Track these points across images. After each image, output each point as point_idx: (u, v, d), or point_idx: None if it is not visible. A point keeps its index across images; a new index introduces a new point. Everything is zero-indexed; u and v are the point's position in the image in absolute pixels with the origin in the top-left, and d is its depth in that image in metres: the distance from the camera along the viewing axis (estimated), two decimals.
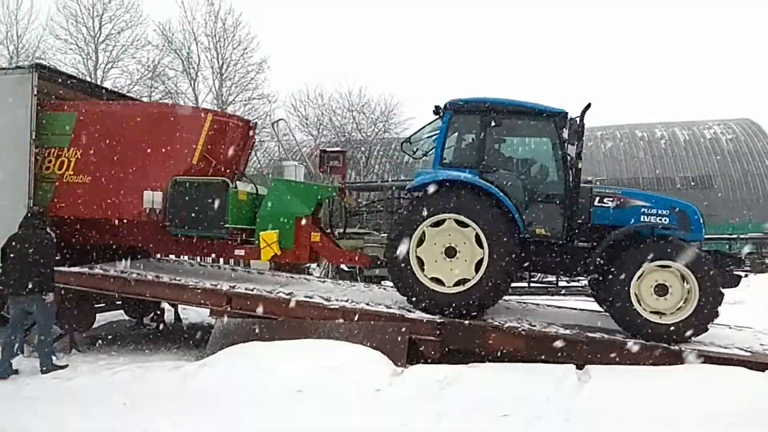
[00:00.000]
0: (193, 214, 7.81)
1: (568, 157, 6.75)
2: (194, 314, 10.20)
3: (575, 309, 8.57)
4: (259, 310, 7.23)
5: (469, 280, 6.60)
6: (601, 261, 6.50)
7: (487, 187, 6.65)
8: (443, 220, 6.67)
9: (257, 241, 7.77)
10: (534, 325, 6.72)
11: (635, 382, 5.59)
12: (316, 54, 48.83)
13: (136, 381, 6.24)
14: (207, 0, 25.73)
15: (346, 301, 7.29)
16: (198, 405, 5.56)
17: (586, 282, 7.32)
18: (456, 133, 7.17)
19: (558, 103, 6.91)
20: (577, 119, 6.60)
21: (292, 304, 7.19)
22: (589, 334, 6.49)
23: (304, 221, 7.80)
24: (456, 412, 5.18)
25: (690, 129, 28.99)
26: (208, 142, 8.07)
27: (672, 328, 6.25)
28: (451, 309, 6.65)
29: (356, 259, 8.48)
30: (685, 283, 6.29)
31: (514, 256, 6.58)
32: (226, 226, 7.74)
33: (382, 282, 11.46)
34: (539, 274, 7.31)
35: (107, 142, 8.05)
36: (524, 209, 6.80)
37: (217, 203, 7.75)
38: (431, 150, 7.75)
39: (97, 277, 7.94)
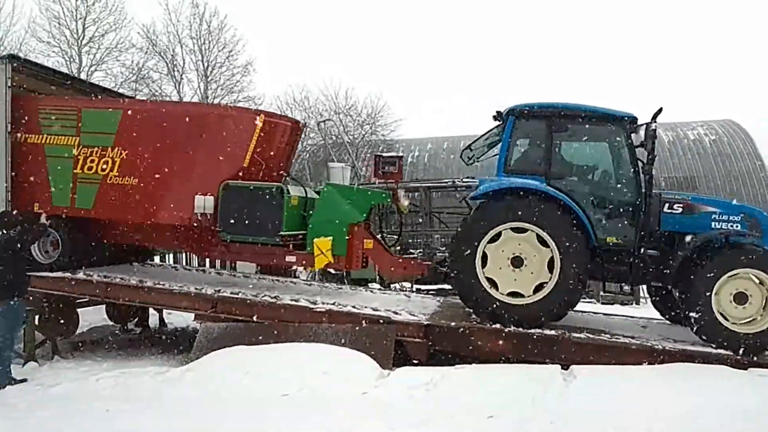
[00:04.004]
0: (246, 220, 7.53)
1: (640, 163, 6.64)
2: (179, 319, 10.12)
3: None
4: (245, 313, 7.20)
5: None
6: (678, 270, 6.38)
7: (558, 194, 6.49)
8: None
9: (309, 248, 7.56)
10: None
11: (619, 382, 5.62)
12: (302, 56, 48.80)
13: (119, 387, 6.19)
14: (192, 2, 25.64)
15: (333, 303, 7.26)
16: (182, 410, 5.50)
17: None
18: (520, 139, 6.99)
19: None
20: (653, 123, 6.44)
21: (278, 307, 7.16)
22: (574, 335, 6.52)
23: (357, 228, 7.60)
24: (442, 415, 5.17)
25: (674, 130, 29.25)
26: (259, 144, 7.79)
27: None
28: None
29: (412, 267, 8.06)
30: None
31: (587, 264, 6.45)
32: (281, 233, 7.50)
33: (369, 284, 11.46)
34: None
35: (154, 142, 7.75)
36: (594, 217, 6.65)
37: (272, 209, 7.49)
38: (482, 156, 7.70)
39: (80, 282, 7.87)
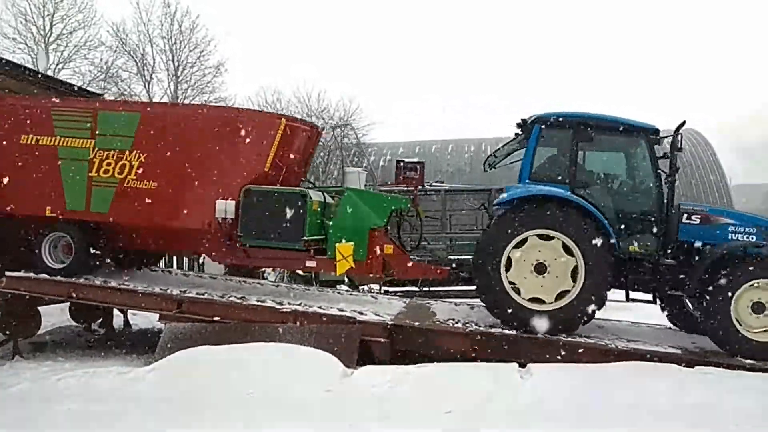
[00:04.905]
0: (269, 225, 7.46)
1: (662, 174, 6.83)
2: (144, 320, 10.06)
3: None
4: (210, 314, 7.24)
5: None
6: (697, 280, 6.54)
7: (583, 203, 6.62)
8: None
9: (330, 253, 7.53)
10: (479, 326, 6.94)
11: (574, 379, 5.83)
12: (274, 56, 48.66)
13: (81, 386, 6.15)
14: (163, 2, 25.42)
15: (299, 304, 7.36)
16: (146, 409, 5.53)
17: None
18: (544, 147, 7.10)
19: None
20: (678, 135, 6.62)
21: (244, 308, 7.23)
22: (532, 335, 6.72)
23: (377, 233, 7.58)
24: (402, 411, 5.32)
25: None
26: (279, 148, 7.71)
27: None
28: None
29: (432, 271, 8.03)
30: None
31: (610, 273, 6.57)
32: (304, 238, 7.47)
33: (337, 286, 11.56)
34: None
35: (174, 146, 7.61)
36: (616, 226, 6.78)
37: (295, 215, 7.43)
38: (498, 162, 7.82)
39: (44, 282, 7.79)
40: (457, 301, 9.45)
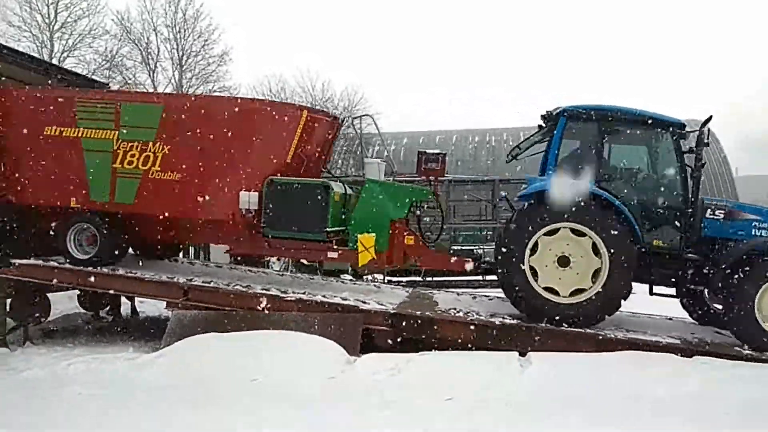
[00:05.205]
0: (292, 216, 7.55)
1: (688, 168, 6.83)
2: (152, 308, 10.21)
3: None
4: (215, 302, 7.36)
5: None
6: (721, 275, 6.56)
7: (607, 196, 6.65)
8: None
9: (352, 244, 7.58)
10: (480, 315, 7.04)
11: (573, 368, 5.92)
12: (279, 44, 48.53)
13: (91, 372, 6.31)
14: None
15: (303, 293, 7.48)
16: (153, 395, 5.66)
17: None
18: (569, 140, 7.13)
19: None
20: (706, 130, 6.61)
21: (249, 296, 7.35)
22: (532, 324, 6.81)
23: (398, 224, 7.64)
24: (403, 398, 5.43)
25: None
26: (301, 140, 7.77)
27: None
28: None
29: (455, 263, 8.07)
30: None
31: (633, 273, 6.61)
32: (327, 229, 7.54)
33: (341, 275, 11.69)
34: None
35: (197, 137, 7.66)
36: (641, 220, 6.81)
37: (318, 206, 7.51)
38: (519, 154, 7.83)
39: (53, 270, 7.93)
40: (460, 291, 9.57)
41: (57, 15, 24.04)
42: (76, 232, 8.09)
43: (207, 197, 7.67)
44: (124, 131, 7.81)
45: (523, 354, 6.33)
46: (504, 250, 6.89)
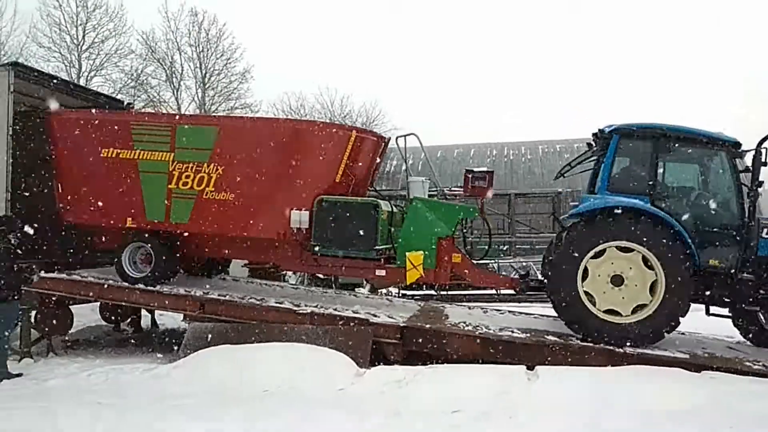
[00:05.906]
0: (342, 235, 7.67)
1: (744, 188, 6.80)
2: (170, 320, 10.47)
3: (533, 315, 8.96)
4: (231, 315, 7.56)
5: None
6: None
7: (665, 216, 6.62)
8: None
9: (400, 262, 7.65)
10: (490, 329, 7.11)
11: (580, 382, 5.96)
12: (298, 63, 49.15)
13: (110, 382, 6.53)
14: (191, 10, 26.17)
15: (315, 306, 7.64)
16: (170, 403, 5.84)
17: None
18: (622, 158, 7.12)
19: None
20: (763, 149, 6.53)
21: (263, 309, 7.53)
22: (542, 338, 6.89)
23: (445, 242, 7.68)
24: (410, 410, 5.53)
25: None
26: (350, 159, 7.95)
27: None
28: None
29: (501, 280, 8.03)
30: None
31: (691, 289, 6.58)
32: (376, 247, 7.66)
33: (355, 289, 11.84)
34: None
35: (250, 158, 7.89)
36: (695, 239, 6.73)
37: (367, 224, 7.64)
38: (565, 170, 7.95)
39: (76, 283, 8.22)
40: (471, 305, 9.64)
41: (85, 36, 24.83)
42: (131, 251, 8.32)
43: (258, 216, 7.87)
44: (180, 153, 8.07)
45: (530, 367, 6.38)
46: (553, 275, 6.90)
